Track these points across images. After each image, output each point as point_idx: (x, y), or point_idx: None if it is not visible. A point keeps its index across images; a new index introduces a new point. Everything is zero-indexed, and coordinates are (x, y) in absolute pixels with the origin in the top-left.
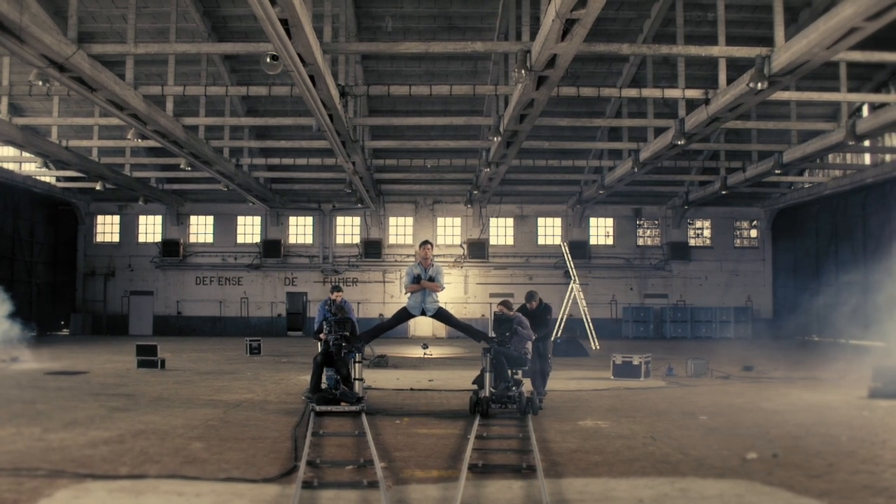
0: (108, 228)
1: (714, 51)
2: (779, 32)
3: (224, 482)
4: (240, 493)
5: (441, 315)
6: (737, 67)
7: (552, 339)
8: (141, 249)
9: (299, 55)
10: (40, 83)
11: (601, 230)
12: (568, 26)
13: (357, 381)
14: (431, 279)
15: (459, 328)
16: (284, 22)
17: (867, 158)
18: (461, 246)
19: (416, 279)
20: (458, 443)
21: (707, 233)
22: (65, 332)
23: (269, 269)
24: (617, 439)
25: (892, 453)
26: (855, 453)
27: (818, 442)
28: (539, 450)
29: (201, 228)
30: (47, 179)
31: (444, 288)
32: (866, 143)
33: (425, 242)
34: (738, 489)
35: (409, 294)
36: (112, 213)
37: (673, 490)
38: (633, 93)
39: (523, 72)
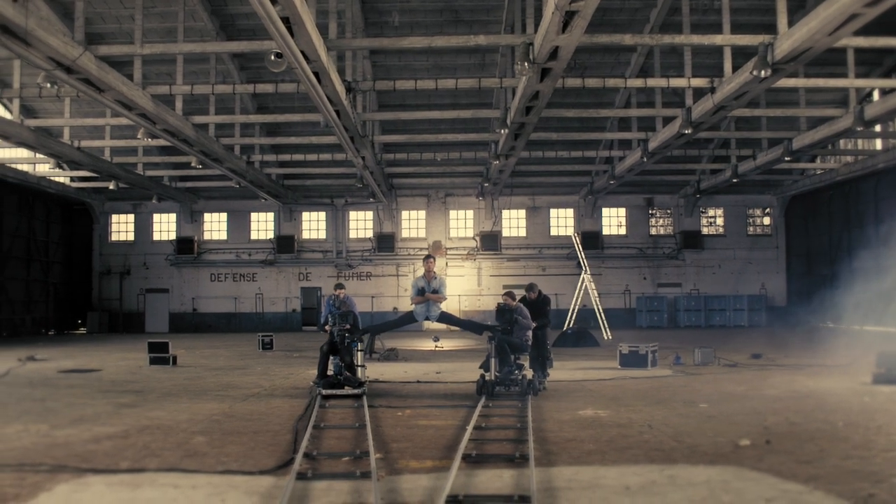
0: (122, 227)
1: (717, 39)
2: (782, 19)
3: (221, 474)
4: (235, 484)
5: (444, 318)
6: (745, 55)
7: (564, 329)
8: (156, 247)
9: (302, 52)
10: (48, 85)
11: (614, 220)
12: (568, 18)
13: (359, 368)
14: (435, 291)
15: (462, 326)
16: (286, 20)
17: (878, 144)
18: (474, 238)
19: (421, 291)
20: (456, 433)
21: (720, 221)
22: (82, 330)
23: (282, 264)
24: (613, 428)
25: (886, 439)
26: (849, 439)
27: (814, 428)
28: (535, 439)
29: (215, 225)
30: (61, 180)
31: (446, 299)
32: (877, 128)
33: (428, 256)
34: (726, 475)
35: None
36: (126, 212)
37: (661, 477)
38: (638, 83)
39: (526, 64)
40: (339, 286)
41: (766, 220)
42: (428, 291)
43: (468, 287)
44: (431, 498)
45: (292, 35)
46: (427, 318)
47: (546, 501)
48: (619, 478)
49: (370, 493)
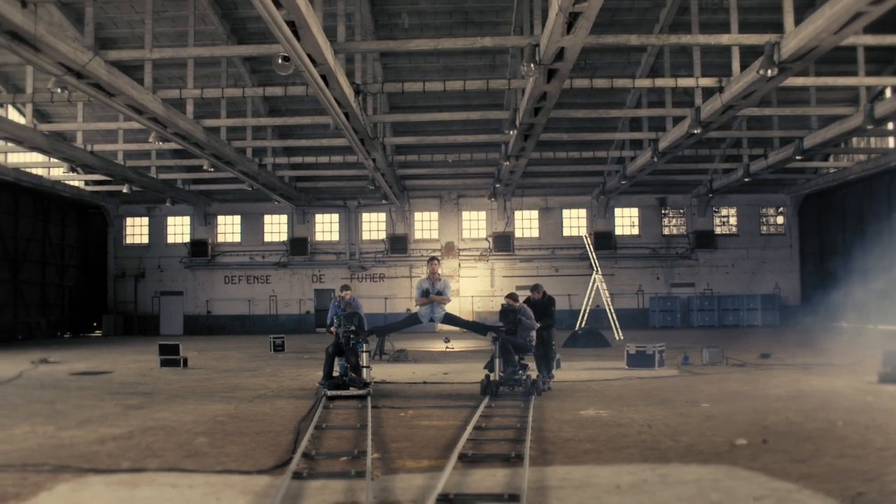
0: (137, 230)
1: (724, 39)
2: (788, 18)
3: (219, 474)
4: (231, 483)
5: (448, 319)
6: (755, 54)
7: (575, 329)
8: (170, 250)
9: (309, 55)
10: (59, 90)
11: (626, 220)
12: (572, 19)
13: (364, 369)
14: (439, 293)
15: (467, 327)
16: (291, 24)
17: (891, 142)
18: (487, 239)
19: (426, 293)
20: (456, 433)
21: (733, 220)
22: (97, 333)
23: (296, 266)
24: (613, 427)
25: (883, 438)
26: (846, 438)
27: (813, 427)
28: (534, 438)
29: (229, 228)
30: (76, 183)
31: (450, 300)
32: (890, 126)
33: (432, 258)
34: (718, 474)
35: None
36: (140, 215)
37: (653, 476)
38: (646, 83)
39: (532, 66)
40: (345, 288)
41: (780, 220)
42: (432, 293)
43: (481, 288)
44: (423, 497)
45: (298, 39)
46: (431, 320)
47: (536, 500)
48: (611, 477)
49: (364, 491)
